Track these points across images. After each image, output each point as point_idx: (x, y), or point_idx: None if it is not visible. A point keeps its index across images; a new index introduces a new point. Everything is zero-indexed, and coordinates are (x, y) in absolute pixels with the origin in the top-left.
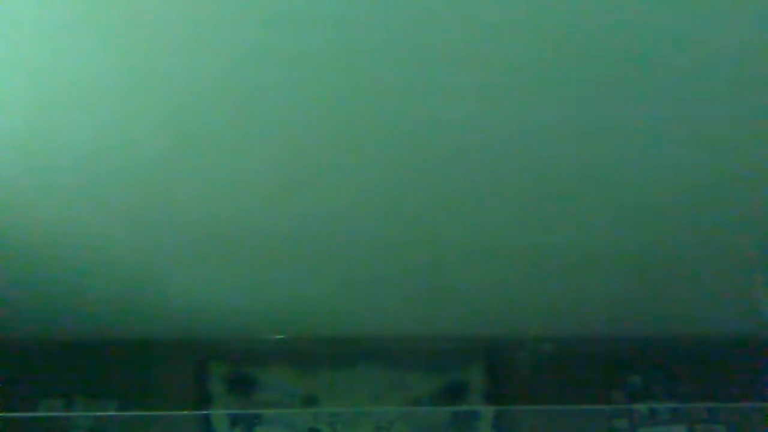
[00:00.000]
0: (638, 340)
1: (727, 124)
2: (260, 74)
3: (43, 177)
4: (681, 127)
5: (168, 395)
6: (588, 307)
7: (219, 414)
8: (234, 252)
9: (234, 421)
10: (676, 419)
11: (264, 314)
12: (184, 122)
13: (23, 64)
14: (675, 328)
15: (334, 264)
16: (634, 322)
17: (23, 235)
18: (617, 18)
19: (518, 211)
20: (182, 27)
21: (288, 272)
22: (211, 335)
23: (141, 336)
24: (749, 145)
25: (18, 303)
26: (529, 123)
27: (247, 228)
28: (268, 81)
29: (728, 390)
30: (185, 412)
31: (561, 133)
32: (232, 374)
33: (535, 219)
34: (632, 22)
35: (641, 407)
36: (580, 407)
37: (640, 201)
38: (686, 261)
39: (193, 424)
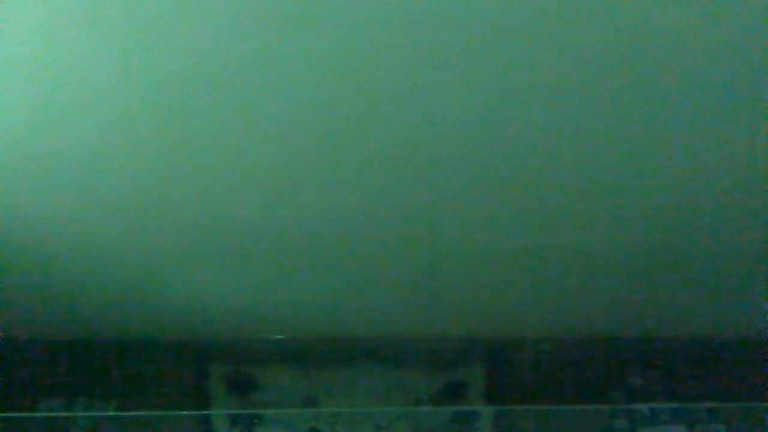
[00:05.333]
0: (638, 340)
1: (728, 124)
2: (260, 74)
3: (42, 177)
4: (681, 127)
5: (168, 395)
6: (588, 307)
7: (219, 414)
8: (234, 252)
9: (234, 421)
10: (676, 419)
11: (264, 314)
12: (185, 122)
13: (23, 64)
14: (675, 328)
15: (334, 264)
16: (634, 322)
17: (23, 235)
18: (619, 18)
19: (518, 211)
20: (182, 27)
21: (288, 272)
22: (211, 335)
23: (141, 336)
24: (750, 145)
25: (18, 303)
26: (530, 123)
27: (248, 228)
28: (268, 81)
29: (728, 390)
30: (185, 412)
31: (561, 133)
32: (232, 374)
33: (535, 219)
34: (633, 22)
35: (641, 407)
36: (580, 407)
37: (640, 201)
38: (686, 261)
39: (193, 424)
